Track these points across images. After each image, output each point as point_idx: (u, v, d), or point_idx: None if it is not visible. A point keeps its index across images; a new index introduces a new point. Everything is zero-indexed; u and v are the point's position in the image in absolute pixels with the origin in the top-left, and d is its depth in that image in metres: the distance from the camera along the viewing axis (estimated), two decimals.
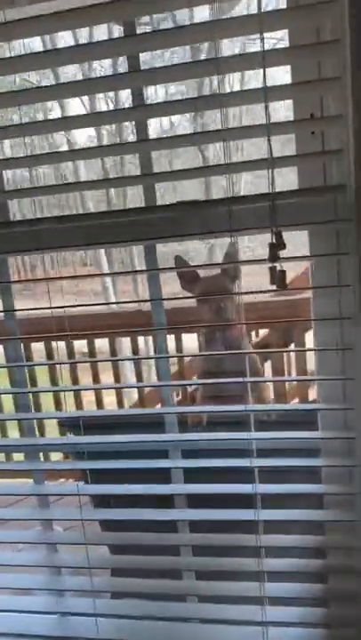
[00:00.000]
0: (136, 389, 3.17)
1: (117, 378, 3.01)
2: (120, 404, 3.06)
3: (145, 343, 3.49)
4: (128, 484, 1.15)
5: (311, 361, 2.94)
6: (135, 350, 2.90)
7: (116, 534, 1.19)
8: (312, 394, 2.79)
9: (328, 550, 1.11)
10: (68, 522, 1.43)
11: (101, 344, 3.22)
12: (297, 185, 1.00)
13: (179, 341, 2.90)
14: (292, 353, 2.80)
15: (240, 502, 1.12)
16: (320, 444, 1.09)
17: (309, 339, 2.89)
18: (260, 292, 1.13)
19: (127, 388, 3.03)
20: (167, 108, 0.97)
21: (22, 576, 1.23)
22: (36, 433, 1.34)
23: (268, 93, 0.89)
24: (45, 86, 1.03)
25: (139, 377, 3.05)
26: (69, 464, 1.14)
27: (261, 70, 0.89)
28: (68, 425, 1.36)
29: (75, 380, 3.01)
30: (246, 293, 1.19)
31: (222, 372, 1.41)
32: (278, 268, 0.92)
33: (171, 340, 2.94)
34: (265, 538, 1.06)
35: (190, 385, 2.94)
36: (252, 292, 1.19)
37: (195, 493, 1.14)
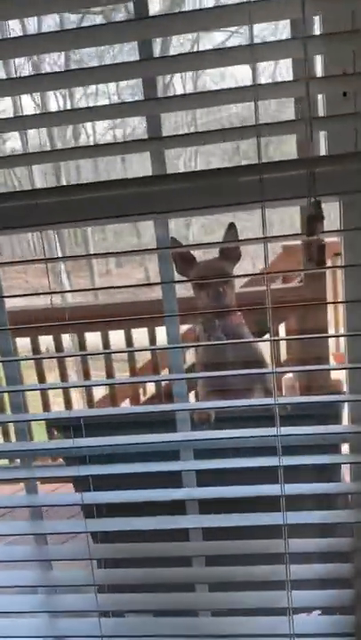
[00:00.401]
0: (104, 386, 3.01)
1: (64, 377, 2.83)
2: (90, 403, 2.90)
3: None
4: (133, 490, 1.03)
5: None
6: (106, 344, 2.76)
7: (120, 546, 1.06)
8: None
9: (355, 553, 1.02)
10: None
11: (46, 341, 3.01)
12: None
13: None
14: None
15: (256, 504, 1.02)
16: (345, 439, 1.01)
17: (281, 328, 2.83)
18: (256, 274, 1.03)
19: (132, 383, 2.85)
20: (192, 60, 0.84)
21: (13, 597, 1.09)
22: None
23: (307, 45, 0.78)
24: None
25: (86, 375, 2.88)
26: (71, 470, 1.01)
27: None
28: (59, 426, 1.23)
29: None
30: (243, 276, 1.08)
31: (225, 362, 1.31)
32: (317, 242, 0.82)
33: (142, 332, 2.82)
34: (294, 543, 0.96)
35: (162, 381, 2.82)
36: (247, 275, 1.09)
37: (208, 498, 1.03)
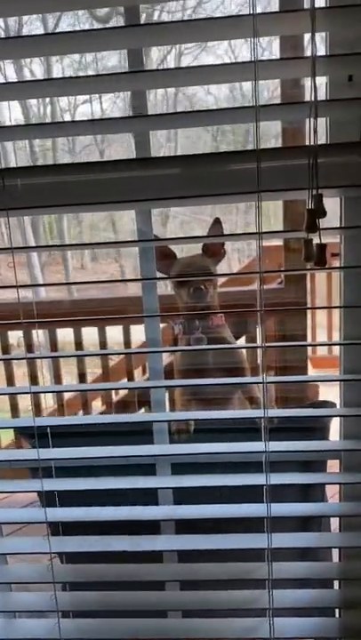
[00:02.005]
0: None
1: (34, 374, 2.67)
2: (60, 401, 2.78)
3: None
4: (103, 507, 0.94)
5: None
6: (78, 340, 2.64)
7: (87, 568, 0.97)
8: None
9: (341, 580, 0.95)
10: None
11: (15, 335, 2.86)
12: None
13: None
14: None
15: (237, 522, 0.94)
16: (332, 456, 0.93)
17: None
18: (250, 272, 0.94)
19: (107, 389, 2.72)
20: (187, 30, 0.74)
21: None
22: None
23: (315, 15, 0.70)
24: None
25: (57, 371, 2.75)
26: (34, 484, 0.91)
27: None
28: (24, 433, 1.12)
29: None
30: (228, 275, 0.99)
31: (206, 367, 1.22)
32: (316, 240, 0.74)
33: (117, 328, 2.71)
34: (277, 568, 0.87)
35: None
36: (239, 274, 1.00)
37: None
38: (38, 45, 0.79)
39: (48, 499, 0.96)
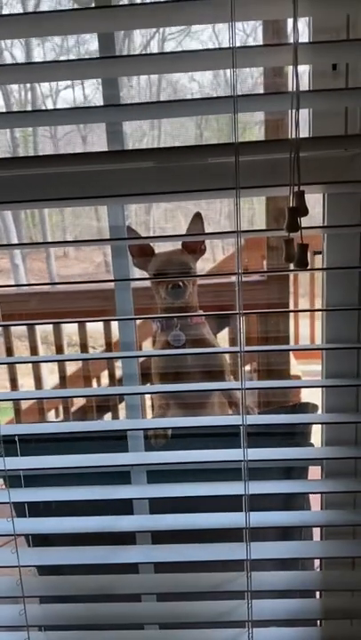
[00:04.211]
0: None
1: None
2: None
3: None
4: (76, 517, 0.89)
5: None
6: (58, 332, 2.58)
7: (58, 580, 0.92)
8: None
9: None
10: None
11: None
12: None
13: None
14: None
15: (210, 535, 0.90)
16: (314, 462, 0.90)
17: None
18: (229, 273, 0.91)
19: (83, 396, 2.66)
20: (160, 13, 0.69)
21: None
22: None
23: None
24: None
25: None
26: (1, 495, 0.86)
27: None
28: None
29: None
30: (205, 276, 0.95)
31: (185, 367, 1.18)
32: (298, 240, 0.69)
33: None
34: (257, 577, 0.84)
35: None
36: (215, 275, 0.96)
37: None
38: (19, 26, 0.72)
39: (18, 508, 0.92)
